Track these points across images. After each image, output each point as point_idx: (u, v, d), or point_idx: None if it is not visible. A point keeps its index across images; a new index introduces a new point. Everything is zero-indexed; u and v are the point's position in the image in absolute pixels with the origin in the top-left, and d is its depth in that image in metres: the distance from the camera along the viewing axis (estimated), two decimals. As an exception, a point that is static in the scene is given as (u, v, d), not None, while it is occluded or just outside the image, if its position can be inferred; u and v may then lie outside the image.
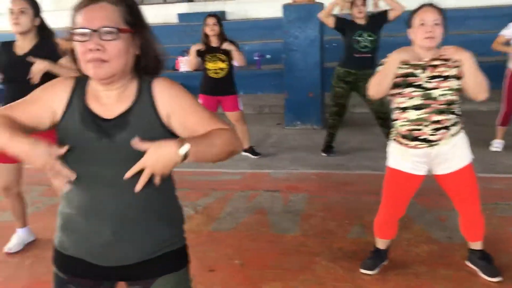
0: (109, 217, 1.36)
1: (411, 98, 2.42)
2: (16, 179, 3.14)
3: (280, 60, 7.49)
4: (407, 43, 2.52)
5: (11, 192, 3.15)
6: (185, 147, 1.23)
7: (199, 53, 4.85)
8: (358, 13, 4.74)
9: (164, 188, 1.39)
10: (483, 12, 9.88)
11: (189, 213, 3.73)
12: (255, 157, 5.13)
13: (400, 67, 2.42)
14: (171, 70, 9.78)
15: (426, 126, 2.42)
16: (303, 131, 6.33)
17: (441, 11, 2.41)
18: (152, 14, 12.67)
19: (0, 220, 3.76)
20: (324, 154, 5.17)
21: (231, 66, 4.85)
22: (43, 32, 2.93)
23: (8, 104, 1.40)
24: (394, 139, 2.58)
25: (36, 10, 2.88)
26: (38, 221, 3.58)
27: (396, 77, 2.43)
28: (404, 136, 2.49)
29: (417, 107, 2.42)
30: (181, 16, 12.12)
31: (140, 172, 1.28)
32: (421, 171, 2.53)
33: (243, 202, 3.95)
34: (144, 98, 1.37)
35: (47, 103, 1.38)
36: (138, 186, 1.28)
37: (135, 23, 1.32)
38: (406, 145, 2.49)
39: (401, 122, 2.48)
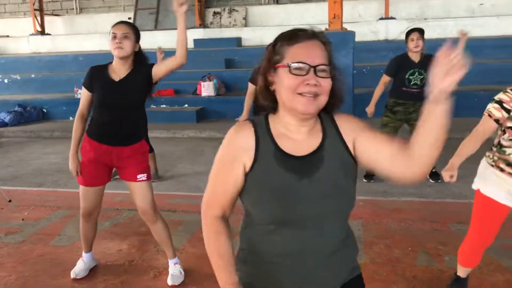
0: (315, 254, 1.37)
1: None
2: (100, 204, 3.14)
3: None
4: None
5: (92, 217, 3.13)
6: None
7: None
8: (414, 47, 4.78)
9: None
10: (499, 42, 10.07)
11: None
12: None
13: None
14: (192, 95, 9.84)
15: None
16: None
17: None
18: (167, 40, 12.87)
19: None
20: (365, 180, 5.20)
21: None
22: (139, 58, 2.92)
23: (207, 196, 1.45)
24: (493, 165, 2.52)
25: (137, 36, 2.88)
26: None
27: None
28: (509, 164, 2.44)
29: None
30: (197, 42, 12.24)
31: (340, 209, 1.36)
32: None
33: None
34: (331, 131, 1.39)
35: (236, 162, 1.36)
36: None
37: (332, 63, 1.35)
38: (509, 173, 2.44)
39: (511, 151, 2.42)
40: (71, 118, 9.84)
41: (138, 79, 2.86)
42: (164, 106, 9.62)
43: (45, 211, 4.58)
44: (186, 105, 9.52)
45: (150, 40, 12.43)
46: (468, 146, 2.49)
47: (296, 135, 1.37)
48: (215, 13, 13.36)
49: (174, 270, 3.14)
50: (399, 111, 4.97)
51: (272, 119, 1.40)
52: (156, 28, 13.24)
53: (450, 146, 6.55)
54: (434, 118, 1.23)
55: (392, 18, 11.29)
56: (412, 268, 3.20)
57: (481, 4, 11.72)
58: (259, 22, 13.00)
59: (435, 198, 4.68)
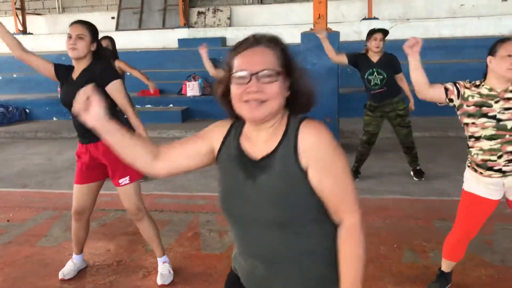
0: (265, 261, 1.41)
1: (484, 128, 2.48)
2: (92, 204, 3.13)
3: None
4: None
5: (82, 217, 3.12)
6: None
7: None
8: (375, 47, 4.89)
9: (314, 230, 1.38)
10: (480, 42, 10.23)
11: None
12: None
13: (472, 96, 2.51)
14: (177, 95, 9.82)
15: (499, 157, 2.48)
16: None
17: None
18: (151, 39, 12.85)
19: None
20: (350, 179, 5.26)
21: None
22: (97, 56, 2.94)
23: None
24: (469, 166, 2.65)
25: (94, 35, 2.89)
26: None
27: (470, 106, 2.51)
28: (478, 165, 2.56)
29: (490, 138, 2.48)
30: (181, 42, 12.22)
31: (283, 220, 1.36)
32: (496, 196, 2.60)
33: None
34: (289, 142, 1.35)
35: (208, 140, 1.49)
36: None
37: (287, 65, 1.35)
38: (480, 173, 2.57)
39: (475, 151, 2.55)
40: (54, 118, 9.76)
41: (90, 76, 2.81)
42: (149, 106, 9.58)
43: (31, 212, 4.54)
44: (171, 105, 9.50)
45: (133, 40, 12.40)
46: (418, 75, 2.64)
47: (255, 139, 1.41)
48: (199, 13, 13.34)
49: (163, 269, 3.15)
50: (377, 109, 5.07)
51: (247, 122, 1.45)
52: (140, 27, 13.17)
53: (432, 144, 6.72)
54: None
55: (375, 18, 11.41)
56: (398, 265, 3.26)
57: (462, 5, 11.91)
58: (244, 22, 13.03)
59: (419, 195, 4.77)
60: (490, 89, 2.50)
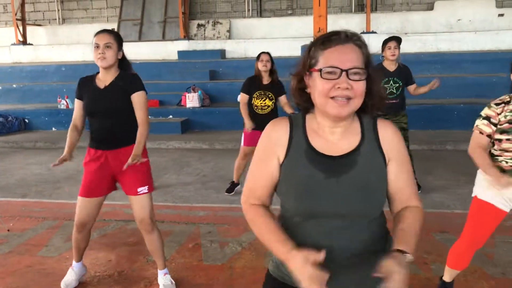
0: (340, 254, 1.38)
1: None
2: (95, 216, 3.11)
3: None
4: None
5: (85, 228, 3.11)
6: (410, 258, 1.31)
7: (248, 89, 4.89)
8: (391, 55, 4.87)
9: (382, 222, 1.48)
10: (477, 57, 10.35)
11: (236, 250, 3.75)
12: None
13: (505, 116, 2.49)
14: (177, 106, 9.85)
15: None
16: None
17: None
18: (151, 51, 12.92)
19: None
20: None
21: (275, 103, 4.93)
22: (123, 65, 2.98)
23: (249, 183, 1.48)
24: None
25: (119, 43, 2.91)
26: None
27: (503, 124, 2.49)
28: (504, 171, 2.53)
29: None
30: (181, 54, 12.29)
31: (367, 213, 1.38)
32: (507, 207, 2.61)
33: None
34: (370, 136, 1.41)
35: (272, 154, 1.43)
36: None
37: (367, 65, 1.37)
38: None
39: (504, 159, 2.53)
40: (54, 128, 9.76)
41: (121, 86, 2.89)
42: (149, 117, 9.57)
43: (31, 222, 4.53)
44: (170, 116, 9.52)
45: (133, 51, 12.44)
46: (482, 158, 2.55)
47: (329, 135, 1.41)
48: (199, 25, 13.44)
49: (165, 280, 3.15)
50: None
51: (309, 118, 1.45)
52: (140, 39, 13.25)
53: (431, 157, 6.74)
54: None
55: (373, 32, 11.50)
56: (399, 276, 3.26)
57: (459, 20, 12.04)
58: (243, 35, 13.12)
59: (418, 208, 4.77)
60: None
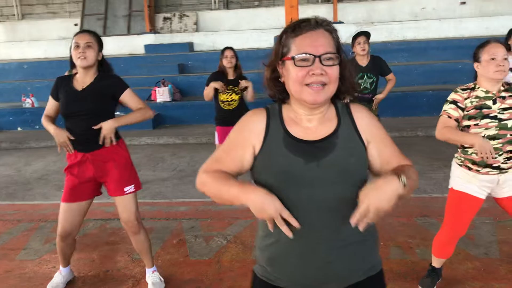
0: (328, 242, 1.36)
1: (488, 128, 2.52)
2: (80, 223, 2.98)
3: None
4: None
5: (70, 236, 2.97)
6: (403, 177, 1.27)
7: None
8: (361, 51, 4.89)
9: None
10: (442, 44, 10.57)
11: (222, 244, 3.72)
12: None
13: (471, 101, 2.55)
14: (147, 101, 9.68)
15: (500, 155, 2.54)
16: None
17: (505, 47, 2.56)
18: (117, 46, 12.63)
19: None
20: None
21: (242, 97, 4.88)
22: (102, 67, 2.91)
23: (213, 158, 1.45)
24: (461, 165, 2.71)
25: (100, 45, 2.85)
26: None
27: (470, 110, 2.55)
28: (475, 163, 2.61)
29: (493, 137, 2.52)
30: (148, 48, 12.08)
31: (348, 196, 1.33)
32: (483, 195, 2.68)
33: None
34: (346, 122, 1.41)
35: (247, 142, 1.41)
36: (354, 221, 1.28)
37: (340, 50, 1.37)
38: (476, 171, 2.62)
39: (474, 150, 2.57)
40: (19, 128, 9.43)
41: (101, 88, 2.81)
42: (118, 113, 9.37)
43: (5, 225, 4.37)
44: (141, 112, 9.34)
45: (99, 46, 12.15)
46: (453, 133, 2.57)
47: (307, 123, 1.40)
48: (165, 18, 13.23)
49: (154, 278, 3.09)
50: None
51: (285, 107, 1.43)
52: (104, 34, 12.93)
53: (403, 143, 6.82)
54: None
55: (340, 22, 11.60)
56: (387, 262, 3.29)
57: (423, 8, 12.28)
58: (211, 27, 13.00)
59: (397, 194, 4.84)
60: (487, 91, 2.56)
